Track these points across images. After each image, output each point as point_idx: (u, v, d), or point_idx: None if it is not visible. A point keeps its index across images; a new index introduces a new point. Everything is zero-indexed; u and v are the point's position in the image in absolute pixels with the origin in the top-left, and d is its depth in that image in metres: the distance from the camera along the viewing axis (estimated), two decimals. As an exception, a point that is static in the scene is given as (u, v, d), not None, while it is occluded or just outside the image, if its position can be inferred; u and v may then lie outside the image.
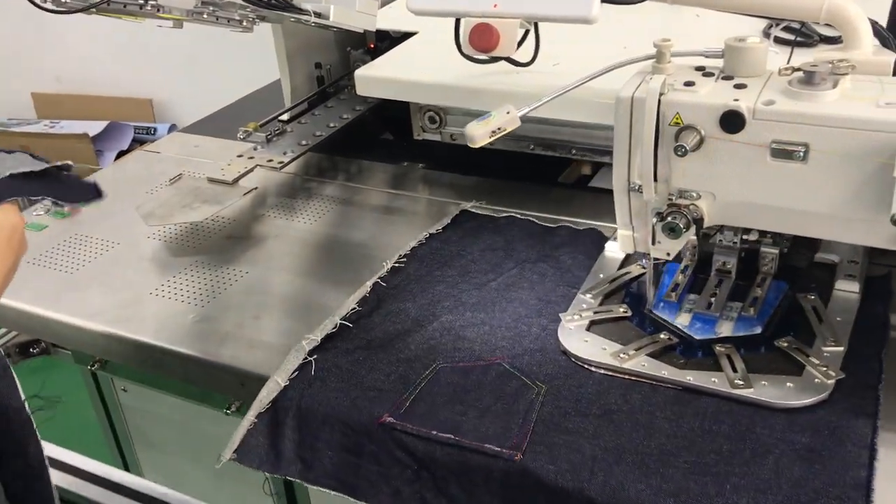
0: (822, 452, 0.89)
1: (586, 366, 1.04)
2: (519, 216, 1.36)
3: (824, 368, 0.98)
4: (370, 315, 1.15)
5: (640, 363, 1.02)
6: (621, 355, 1.03)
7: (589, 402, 0.98)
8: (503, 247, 1.29)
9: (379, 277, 1.21)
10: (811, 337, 1.05)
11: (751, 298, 1.10)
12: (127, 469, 1.44)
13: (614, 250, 1.24)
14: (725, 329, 1.06)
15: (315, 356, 1.06)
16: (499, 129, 0.99)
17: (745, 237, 1.13)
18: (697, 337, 1.06)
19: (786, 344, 1.03)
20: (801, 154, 0.87)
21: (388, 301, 1.18)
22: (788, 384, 0.97)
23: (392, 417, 0.98)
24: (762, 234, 1.11)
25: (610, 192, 1.02)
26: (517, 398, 1.00)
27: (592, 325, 1.10)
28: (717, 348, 1.04)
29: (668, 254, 0.99)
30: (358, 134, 1.60)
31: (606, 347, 1.05)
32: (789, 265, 1.17)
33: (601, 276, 1.20)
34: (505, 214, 1.37)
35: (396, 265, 1.24)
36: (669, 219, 0.92)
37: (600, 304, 1.14)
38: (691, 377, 0.99)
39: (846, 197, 0.87)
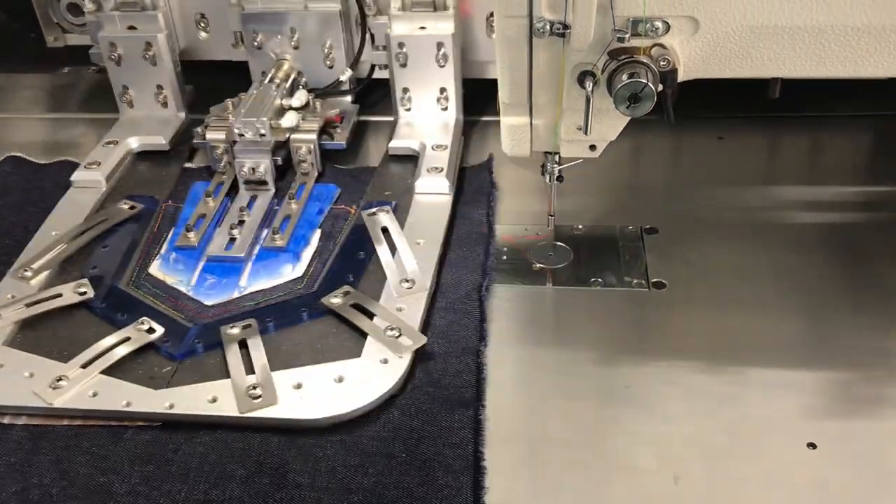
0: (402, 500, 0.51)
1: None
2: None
3: (394, 333, 0.60)
4: None
5: (89, 390, 0.57)
6: (59, 382, 0.58)
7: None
8: None
9: None
10: (375, 278, 0.66)
11: (281, 219, 0.72)
12: None
13: (86, 182, 0.77)
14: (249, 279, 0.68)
15: None
16: None
17: (278, 122, 0.76)
18: (209, 302, 0.66)
19: (338, 300, 0.64)
20: None
21: None
22: (341, 377, 0.58)
23: None
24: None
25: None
26: None
27: (23, 331, 0.63)
28: (228, 331, 0.62)
29: (594, 148, 0.59)
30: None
31: (35, 372, 0.59)
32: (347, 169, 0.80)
33: (55, 233, 0.72)
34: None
35: None
36: (625, 76, 0.52)
37: (43, 288, 0.67)
38: (173, 401, 0.56)
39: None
